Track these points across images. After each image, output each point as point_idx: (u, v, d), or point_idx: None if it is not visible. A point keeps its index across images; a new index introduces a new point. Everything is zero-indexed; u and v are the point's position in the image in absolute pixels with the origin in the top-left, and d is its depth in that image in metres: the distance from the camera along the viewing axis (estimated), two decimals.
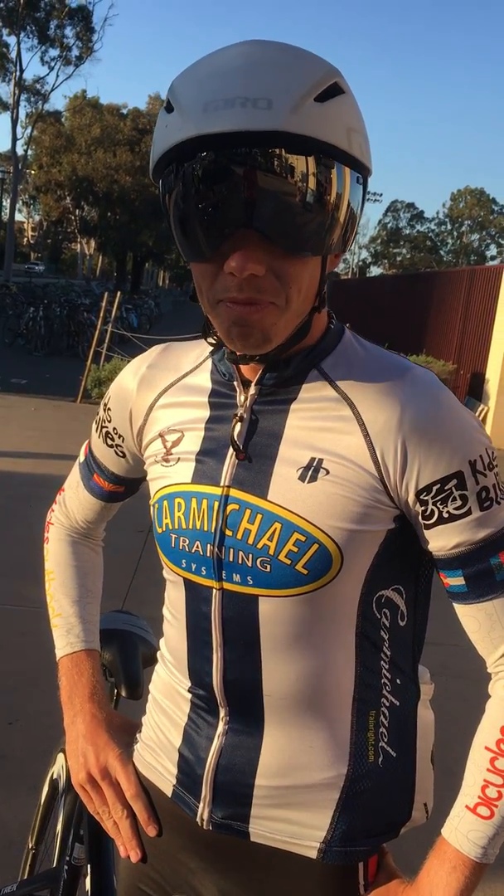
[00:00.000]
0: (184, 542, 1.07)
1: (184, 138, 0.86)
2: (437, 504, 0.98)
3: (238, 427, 1.05)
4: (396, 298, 20.00)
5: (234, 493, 1.03)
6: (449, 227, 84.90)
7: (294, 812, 1.08)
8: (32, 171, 48.23)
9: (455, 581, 1.02)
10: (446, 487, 0.97)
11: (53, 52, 42.95)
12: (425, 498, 0.98)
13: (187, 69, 0.92)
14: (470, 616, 1.03)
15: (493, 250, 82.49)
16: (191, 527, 1.06)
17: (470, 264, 69.21)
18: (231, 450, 1.04)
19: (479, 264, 62.90)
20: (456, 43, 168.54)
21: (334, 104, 0.88)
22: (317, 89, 0.86)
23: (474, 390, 12.41)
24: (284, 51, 0.89)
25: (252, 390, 1.04)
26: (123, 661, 1.58)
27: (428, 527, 1.01)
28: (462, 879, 0.98)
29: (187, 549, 1.06)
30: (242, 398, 1.05)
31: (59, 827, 1.59)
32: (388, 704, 1.09)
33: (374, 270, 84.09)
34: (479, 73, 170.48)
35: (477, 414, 11.31)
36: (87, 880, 1.45)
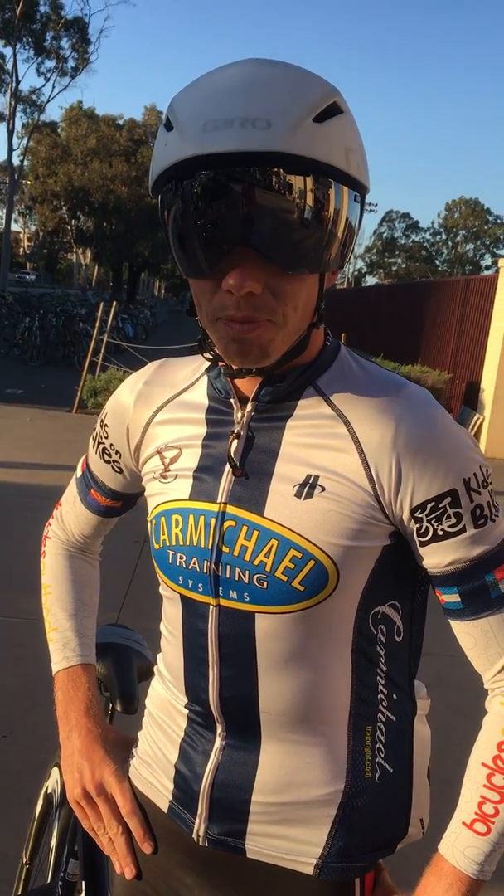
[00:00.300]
0: (181, 558, 1.07)
1: (183, 157, 0.87)
2: (432, 521, 0.99)
3: (235, 444, 1.05)
4: (392, 308, 20.06)
5: (230, 509, 1.03)
6: (444, 236, 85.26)
7: (291, 828, 1.07)
8: (28, 182, 48.35)
9: (451, 598, 1.02)
10: (441, 505, 0.98)
11: (49, 64, 43.22)
12: (420, 515, 0.99)
13: (187, 87, 0.93)
14: (466, 633, 1.03)
15: (487, 260, 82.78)
16: (188, 543, 1.06)
17: (465, 274, 69.51)
18: (228, 466, 1.05)
19: (473, 274, 63.12)
20: (453, 53, 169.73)
21: (333, 124, 0.88)
22: (315, 109, 0.87)
23: (470, 400, 12.42)
24: (284, 70, 0.90)
25: (248, 407, 1.05)
26: (119, 675, 1.57)
27: (423, 544, 1.01)
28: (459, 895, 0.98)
29: (184, 566, 1.06)
30: (239, 415, 1.06)
31: (53, 842, 1.58)
32: (384, 720, 1.09)
33: (370, 280, 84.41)
34: (476, 83, 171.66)
35: (472, 423, 11.33)
36: None
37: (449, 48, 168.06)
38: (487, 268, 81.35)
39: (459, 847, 0.99)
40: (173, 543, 1.08)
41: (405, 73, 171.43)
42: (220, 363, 1.05)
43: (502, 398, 11.22)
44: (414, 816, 1.14)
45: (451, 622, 1.04)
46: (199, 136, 0.85)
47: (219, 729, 1.10)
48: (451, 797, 1.04)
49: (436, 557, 1.01)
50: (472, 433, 11.02)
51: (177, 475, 1.09)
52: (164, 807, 1.16)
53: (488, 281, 12.80)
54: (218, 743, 1.10)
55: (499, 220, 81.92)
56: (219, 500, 1.04)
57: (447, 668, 3.03)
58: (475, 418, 11.52)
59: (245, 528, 1.02)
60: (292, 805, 1.07)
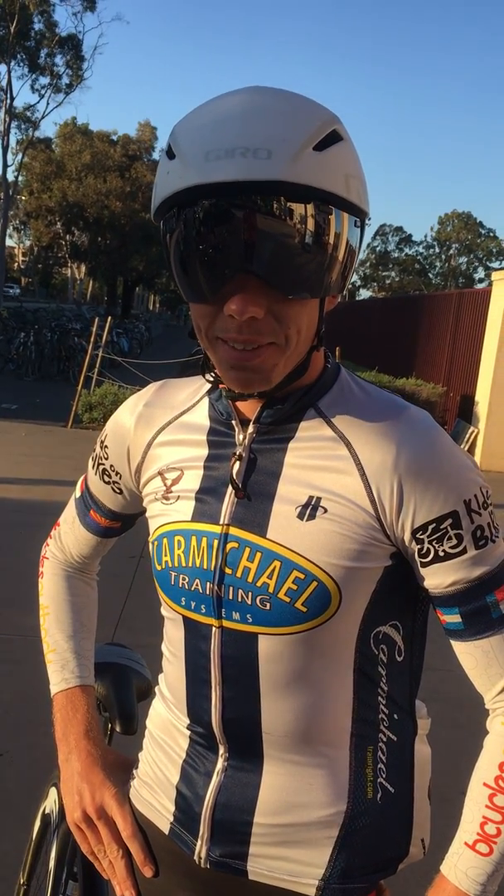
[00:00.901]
0: (183, 580, 1.07)
1: (185, 186, 0.88)
2: (433, 543, 0.99)
3: (237, 466, 1.05)
4: (386, 321, 20.13)
5: (233, 531, 1.04)
6: (437, 250, 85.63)
7: (292, 850, 1.07)
8: (23, 197, 48.47)
9: (452, 619, 1.03)
10: (442, 526, 0.99)
11: (44, 80, 43.28)
12: (421, 537, 0.99)
13: (189, 115, 0.94)
14: (467, 653, 1.04)
15: (480, 273, 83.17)
16: (190, 565, 1.06)
17: (458, 287, 69.78)
18: (230, 488, 1.05)
19: (467, 287, 63.45)
20: (447, 66, 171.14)
21: (333, 152, 0.90)
22: (315, 138, 0.88)
23: (464, 413, 12.46)
24: (284, 99, 0.91)
25: (250, 429, 1.05)
26: (117, 695, 1.56)
27: (424, 565, 1.01)
28: None
29: (187, 587, 1.07)
30: (241, 437, 1.06)
31: (51, 863, 1.56)
32: (385, 740, 1.09)
33: (364, 293, 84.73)
34: (468, 95, 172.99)
35: (467, 436, 11.35)
36: None
37: (441, 60, 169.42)
38: (480, 281, 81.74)
39: (462, 868, 0.99)
40: (175, 565, 1.08)
41: (397, 86, 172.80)
42: (221, 385, 1.06)
43: (497, 411, 11.25)
44: (415, 836, 1.13)
45: (453, 642, 1.05)
46: (202, 166, 0.86)
47: (221, 750, 1.10)
48: (451, 813, 1.04)
49: (437, 578, 1.01)
50: (467, 446, 11.06)
51: (179, 497, 1.10)
52: (165, 828, 1.16)
53: (481, 294, 12.86)
54: (220, 764, 1.10)
55: (491, 234, 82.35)
56: (221, 522, 1.05)
57: (445, 682, 3.02)
58: (470, 431, 11.54)
59: (248, 550, 1.02)
60: (294, 826, 1.06)
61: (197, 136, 0.89)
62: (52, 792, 1.67)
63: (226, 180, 0.85)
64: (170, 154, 0.92)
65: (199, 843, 1.11)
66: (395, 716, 1.11)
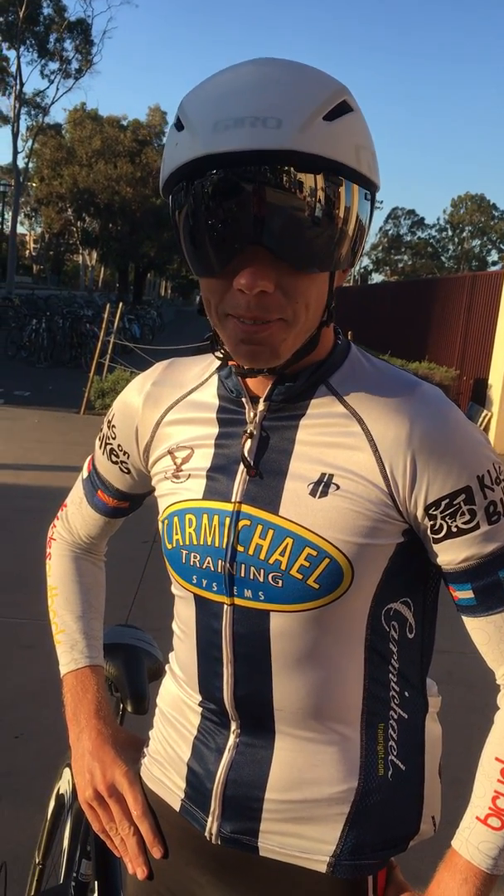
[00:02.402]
0: (195, 558, 1.07)
1: (194, 157, 0.87)
2: (446, 519, 0.99)
3: (248, 443, 1.05)
4: (398, 305, 20.03)
5: (245, 508, 1.04)
6: (450, 233, 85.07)
7: (304, 826, 1.07)
8: (34, 184, 48.45)
9: (464, 594, 1.03)
10: (455, 502, 0.98)
11: (53, 66, 43.18)
12: (434, 513, 0.99)
13: (197, 87, 0.93)
14: (479, 629, 1.03)
15: (493, 255, 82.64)
16: (202, 543, 1.06)
17: (471, 270, 69.33)
18: (242, 466, 1.05)
19: (480, 270, 62.96)
20: (457, 48, 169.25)
21: (343, 122, 0.89)
22: (325, 108, 0.87)
23: (477, 396, 12.40)
24: (293, 69, 0.90)
25: (261, 406, 1.05)
26: (129, 675, 1.57)
27: (436, 541, 1.01)
28: (474, 891, 0.98)
29: (198, 565, 1.07)
30: (251, 414, 1.06)
31: (65, 843, 1.58)
32: (396, 717, 1.09)
33: (376, 277, 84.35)
34: (481, 77, 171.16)
35: (480, 420, 11.30)
36: None
37: (454, 41, 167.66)
38: (494, 264, 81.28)
39: (474, 842, 0.99)
40: (187, 543, 1.08)
41: (409, 68, 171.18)
42: (231, 362, 1.05)
43: None
44: (426, 814, 1.14)
45: (464, 618, 1.05)
46: (210, 136, 0.86)
47: (233, 726, 1.10)
48: (462, 794, 1.04)
49: (449, 554, 1.01)
50: (481, 429, 11.00)
51: (189, 475, 1.10)
52: (177, 806, 1.16)
53: (495, 277, 12.78)
54: (231, 740, 1.10)
55: None
56: (233, 500, 1.05)
57: (458, 664, 3.02)
58: (483, 414, 11.49)
59: (260, 527, 1.02)
60: (305, 803, 1.07)
61: (205, 107, 0.88)
62: (66, 772, 1.68)
63: (235, 149, 0.84)
64: (178, 126, 0.91)
65: (210, 819, 1.11)
66: (406, 693, 1.11)
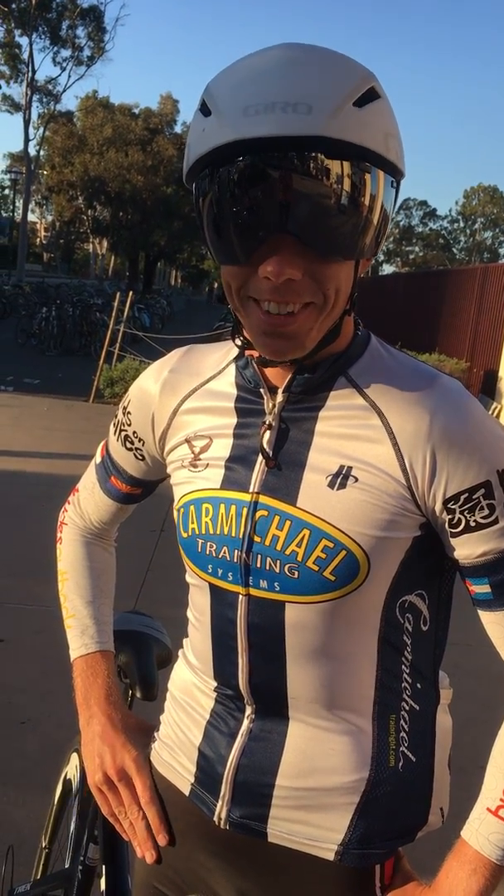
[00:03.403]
0: (211, 547, 1.07)
1: (224, 142, 0.86)
2: (465, 513, 0.98)
3: (267, 434, 1.05)
4: (409, 297, 19.96)
5: (263, 499, 1.03)
6: (462, 224, 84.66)
7: (313, 814, 1.08)
8: (45, 172, 48.33)
9: (481, 588, 1.02)
10: (474, 497, 0.97)
11: (65, 53, 43.08)
12: (453, 507, 0.98)
13: (223, 72, 0.92)
14: (495, 623, 1.03)
15: None
16: (218, 532, 1.06)
17: (483, 262, 68.98)
18: (260, 457, 1.04)
19: (492, 262, 62.63)
20: (468, 38, 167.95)
21: (372, 109, 0.88)
22: (355, 94, 0.86)
23: (487, 388, 12.36)
24: (321, 54, 0.89)
25: (280, 397, 1.04)
26: (138, 662, 1.57)
27: (454, 535, 1.00)
28: (482, 882, 0.98)
29: (214, 555, 1.07)
30: (270, 405, 1.05)
31: (72, 827, 1.59)
32: (408, 709, 1.09)
33: (387, 269, 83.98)
34: (492, 67, 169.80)
35: (490, 412, 11.25)
36: (102, 881, 1.45)
37: (465, 30, 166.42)
38: None
39: (484, 833, 0.99)
40: (203, 532, 1.08)
41: (420, 59, 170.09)
42: (250, 352, 1.05)
43: None
44: (434, 805, 1.13)
45: (480, 613, 1.04)
46: (240, 121, 0.85)
47: (248, 711, 1.10)
48: (469, 785, 1.04)
49: (467, 548, 1.00)
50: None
51: (208, 464, 1.09)
52: (186, 790, 1.17)
53: None
54: (245, 725, 1.11)
55: None
56: (251, 490, 1.04)
57: (465, 656, 3.02)
58: (493, 407, 11.46)
59: (277, 518, 1.02)
60: (315, 791, 1.07)
61: (234, 92, 0.87)
62: (74, 757, 1.69)
63: (266, 135, 0.83)
64: (204, 111, 0.90)
65: (219, 803, 1.12)
66: (419, 685, 1.10)
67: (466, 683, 3.34)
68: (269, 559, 1.02)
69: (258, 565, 1.03)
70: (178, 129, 44.75)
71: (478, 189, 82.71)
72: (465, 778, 1.23)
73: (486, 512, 0.98)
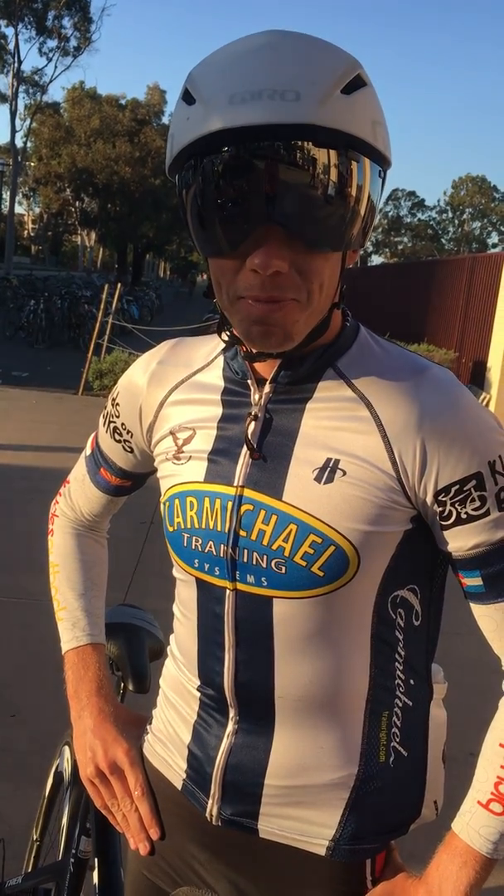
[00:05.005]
0: (196, 541, 1.06)
1: (209, 131, 0.84)
2: (456, 505, 0.97)
3: (252, 426, 1.03)
4: (397, 287, 19.95)
5: (248, 493, 1.02)
6: (450, 215, 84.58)
7: (303, 810, 1.07)
8: (32, 164, 48.12)
9: (473, 581, 1.01)
10: (465, 488, 0.96)
11: (51, 44, 42.86)
12: (444, 499, 0.97)
13: (207, 59, 0.90)
14: (487, 616, 1.02)
15: (494, 238, 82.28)
16: (204, 526, 1.05)
17: (471, 252, 69.02)
18: (245, 449, 1.03)
19: (480, 252, 62.67)
20: (457, 26, 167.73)
21: (359, 96, 0.87)
22: (342, 81, 0.85)
23: (476, 378, 12.38)
24: (306, 41, 0.88)
25: (267, 388, 1.03)
26: (130, 655, 1.57)
27: (446, 527, 0.99)
28: (472, 874, 0.98)
29: (200, 549, 1.05)
30: (257, 397, 1.04)
31: (64, 820, 1.59)
32: (401, 705, 1.08)
33: (376, 259, 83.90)
34: (482, 57, 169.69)
35: (480, 402, 11.29)
36: (94, 873, 1.45)
37: (454, 19, 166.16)
38: (494, 246, 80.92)
39: (474, 826, 0.99)
40: (188, 526, 1.07)
41: (409, 47, 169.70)
42: (239, 346, 1.03)
43: None
44: (428, 799, 1.13)
45: (472, 605, 1.03)
46: (226, 109, 0.83)
47: (231, 713, 1.09)
48: (460, 774, 1.03)
49: (459, 541, 0.99)
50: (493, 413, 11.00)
51: (190, 457, 1.08)
52: (178, 785, 1.16)
53: (495, 259, 12.73)
54: (231, 727, 1.10)
55: None
56: (236, 483, 1.03)
57: (455, 645, 3.03)
58: (482, 397, 11.48)
59: (263, 512, 1.00)
60: (305, 788, 1.06)
61: (219, 79, 0.85)
62: (65, 750, 1.68)
63: (253, 124, 0.82)
64: (188, 99, 0.88)
65: (210, 801, 1.11)
66: (412, 681, 1.09)
67: (455, 672, 3.35)
68: (255, 554, 1.01)
69: (245, 560, 1.02)
70: (165, 119, 44.55)
71: (466, 179, 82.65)
72: (455, 766, 1.23)
73: (478, 504, 0.97)
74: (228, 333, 1.02)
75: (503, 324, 11.57)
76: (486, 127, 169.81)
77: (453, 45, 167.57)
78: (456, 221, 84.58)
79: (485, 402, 11.36)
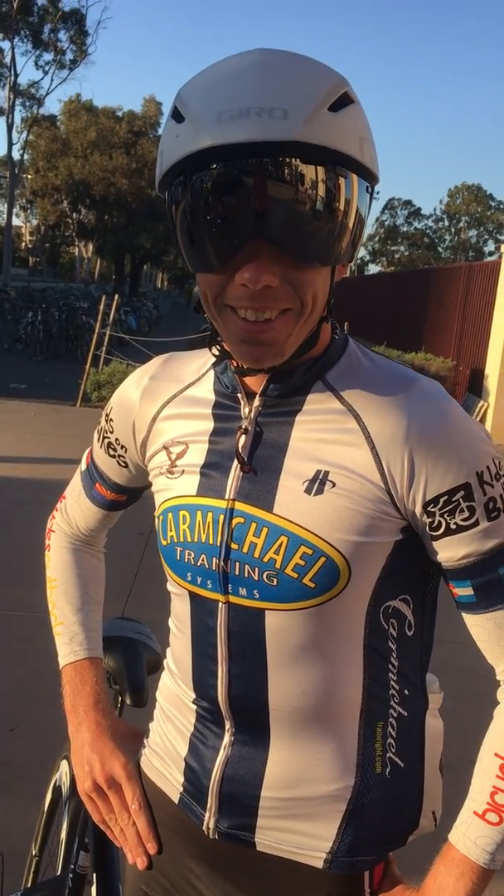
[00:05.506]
0: (189, 555, 1.06)
1: (198, 148, 0.85)
2: (445, 516, 0.98)
3: (243, 439, 1.04)
4: (395, 296, 20.02)
5: (239, 506, 1.02)
6: (446, 223, 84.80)
7: (300, 823, 1.07)
8: (29, 176, 48.33)
9: (464, 591, 1.01)
10: (454, 499, 0.97)
11: (48, 57, 43.09)
12: (433, 510, 0.98)
13: (195, 78, 0.92)
14: (479, 626, 1.02)
15: (490, 246, 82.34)
16: (196, 540, 1.05)
17: (468, 260, 69.21)
18: (236, 462, 1.04)
19: (476, 260, 62.83)
20: (453, 35, 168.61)
21: (347, 114, 0.88)
22: (329, 99, 0.86)
23: (474, 386, 12.41)
24: (294, 60, 0.89)
25: (256, 402, 1.04)
26: (127, 668, 1.57)
27: (435, 538, 1.00)
28: (469, 885, 0.98)
29: (192, 563, 1.06)
30: (246, 410, 1.05)
31: (62, 834, 1.58)
32: (395, 715, 1.08)
33: (373, 268, 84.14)
34: (476, 66, 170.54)
35: (477, 410, 11.30)
36: (93, 888, 1.44)
37: (450, 28, 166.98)
38: (490, 254, 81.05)
39: (471, 837, 0.99)
40: (181, 540, 1.07)
41: (404, 56, 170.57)
42: (229, 360, 1.04)
43: None
44: (425, 809, 1.13)
45: (464, 615, 1.03)
46: (214, 127, 0.84)
47: (227, 725, 1.09)
48: (458, 782, 1.03)
49: (449, 551, 1.00)
50: (477, 420, 11.02)
51: (183, 471, 1.08)
52: (175, 798, 1.16)
53: (491, 267, 12.76)
54: (227, 739, 1.10)
55: (501, 206, 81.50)
56: (227, 497, 1.03)
57: (453, 654, 3.03)
58: (480, 405, 11.49)
59: (254, 525, 1.01)
60: (302, 800, 1.06)
61: (207, 97, 0.86)
62: (63, 764, 1.68)
63: (241, 141, 0.83)
64: (177, 117, 0.90)
65: (207, 814, 1.11)
66: (406, 691, 1.10)
67: (454, 681, 3.35)
68: (247, 566, 1.01)
69: (237, 573, 1.02)
70: (161, 131, 44.77)
71: (462, 188, 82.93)
72: (453, 775, 1.23)
73: (466, 514, 0.97)
74: (219, 348, 1.03)
75: (500, 331, 11.59)
76: (481, 135, 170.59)
77: (451, 52, 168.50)
78: (452, 230, 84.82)
79: (482, 410, 11.37)
